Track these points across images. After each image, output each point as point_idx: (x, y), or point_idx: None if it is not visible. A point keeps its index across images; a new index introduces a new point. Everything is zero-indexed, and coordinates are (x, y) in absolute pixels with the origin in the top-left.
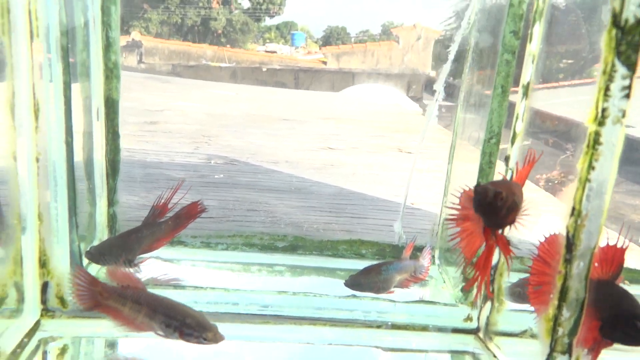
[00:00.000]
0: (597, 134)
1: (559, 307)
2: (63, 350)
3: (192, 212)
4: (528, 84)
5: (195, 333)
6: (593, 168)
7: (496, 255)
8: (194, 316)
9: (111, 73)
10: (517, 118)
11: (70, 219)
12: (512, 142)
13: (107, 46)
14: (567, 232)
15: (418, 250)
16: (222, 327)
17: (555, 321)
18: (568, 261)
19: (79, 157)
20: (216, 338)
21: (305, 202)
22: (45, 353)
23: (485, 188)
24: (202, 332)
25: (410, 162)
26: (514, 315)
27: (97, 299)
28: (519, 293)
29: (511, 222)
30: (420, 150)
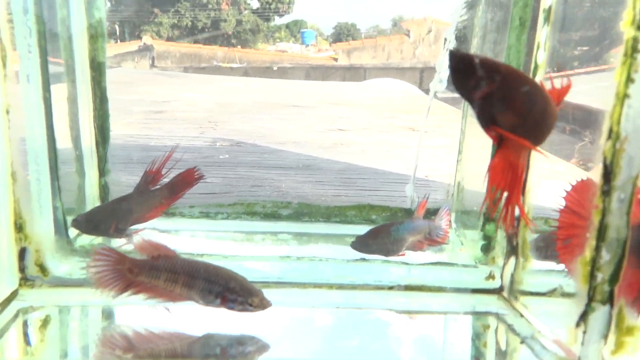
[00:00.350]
0: (636, 40)
1: (597, 249)
2: (45, 321)
3: (188, 179)
4: (550, 8)
5: (240, 298)
6: (632, 81)
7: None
8: (238, 280)
9: (95, 32)
10: (537, 47)
11: (53, 181)
12: (534, 76)
13: (90, 1)
14: (604, 159)
15: (432, 213)
16: None
17: (593, 265)
18: (606, 193)
19: (63, 122)
20: (263, 304)
21: (312, 177)
22: (25, 323)
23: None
24: (248, 297)
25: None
26: (541, 272)
27: (127, 278)
28: (543, 249)
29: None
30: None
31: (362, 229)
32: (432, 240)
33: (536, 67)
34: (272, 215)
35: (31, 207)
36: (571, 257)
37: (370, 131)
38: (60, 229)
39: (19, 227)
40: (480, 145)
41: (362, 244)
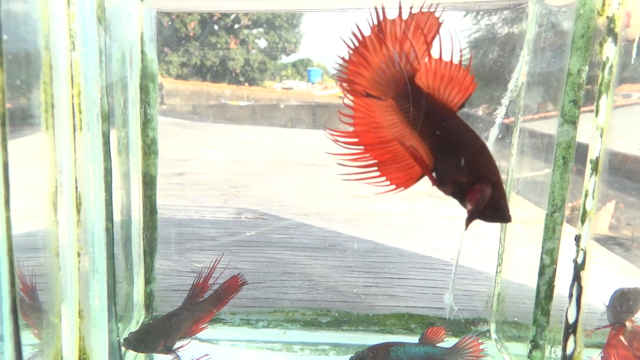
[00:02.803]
0: None
1: None
2: None
3: (232, 286)
4: (597, 158)
5: None
6: None
7: (571, 345)
8: None
9: (149, 149)
10: (586, 195)
11: (110, 308)
12: (582, 221)
13: (145, 122)
14: None
15: (470, 323)
16: None
17: None
18: None
19: (117, 236)
20: None
21: (340, 261)
22: None
23: None
24: None
25: (443, 209)
26: None
27: None
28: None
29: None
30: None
31: (401, 339)
32: None
33: (584, 213)
34: (311, 324)
35: (92, 339)
36: None
37: (389, 198)
38: (115, 352)
39: None
40: (520, 256)
41: (358, 357)
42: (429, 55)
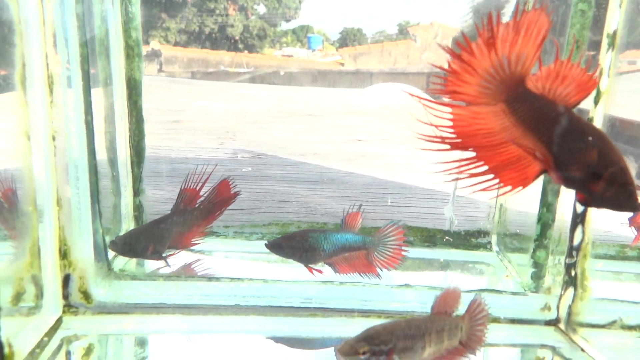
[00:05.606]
0: None
1: None
2: (88, 350)
3: (224, 193)
4: (614, 32)
5: None
6: None
7: (578, 235)
8: None
9: (132, 51)
10: (601, 72)
11: (93, 205)
12: (596, 103)
13: (127, 22)
14: None
15: (472, 235)
16: (264, 321)
17: None
18: None
19: (100, 142)
20: None
21: (338, 192)
22: (68, 353)
23: None
24: None
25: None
26: (599, 304)
27: None
28: None
29: None
30: None
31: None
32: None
33: (599, 94)
34: None
35: (74, 231)
36: None
37: (390, 142)
38: (100, 253)
39: (64, 254)
40: None
41: (274, 245)
42: (539, 59)
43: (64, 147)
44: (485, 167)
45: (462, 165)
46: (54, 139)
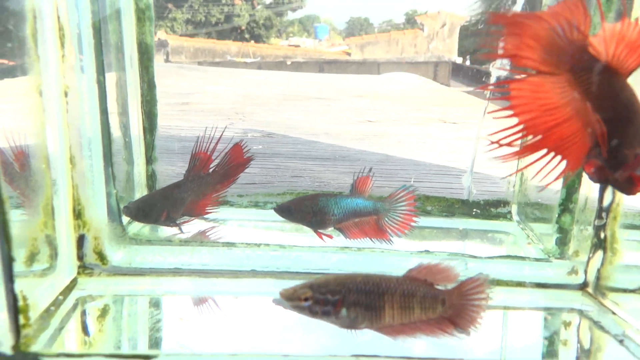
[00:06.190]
0: None
1: None
2: (104, 311)
3: (237, 156)
4: None
5: None
6: None
7: (609, 196)
8: None
9: (143, 14)
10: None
11: (106, 168)
12: None
13: None
14: None
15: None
16: (282, 284)
17: None
18: None
19: (112, 108)
20: None
21: (351, 168)
22: (83, 313)
23: None
24: None
25: (456, 131)
26: (629, 268)
27: None
28: None
29: None
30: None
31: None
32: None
33: None
34: None
35: (87, 191)
36: None
37: (402, 123)
38: (114, 216)
39: (78, 214)
40: None
41: (283, 208)
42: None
43: (77, 104)
44: (547, 149)
45: (526, 152)
46: (66, 94)
